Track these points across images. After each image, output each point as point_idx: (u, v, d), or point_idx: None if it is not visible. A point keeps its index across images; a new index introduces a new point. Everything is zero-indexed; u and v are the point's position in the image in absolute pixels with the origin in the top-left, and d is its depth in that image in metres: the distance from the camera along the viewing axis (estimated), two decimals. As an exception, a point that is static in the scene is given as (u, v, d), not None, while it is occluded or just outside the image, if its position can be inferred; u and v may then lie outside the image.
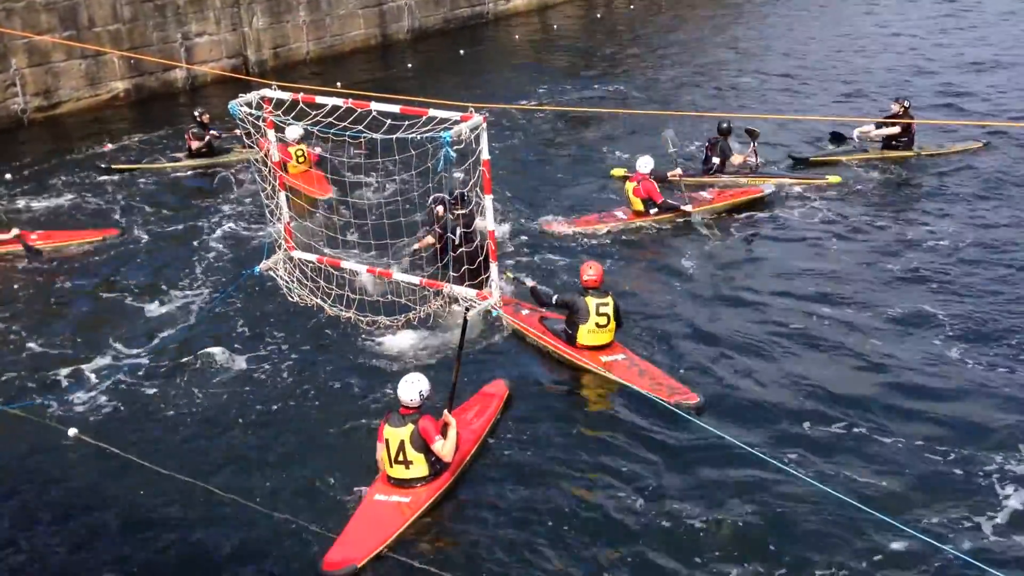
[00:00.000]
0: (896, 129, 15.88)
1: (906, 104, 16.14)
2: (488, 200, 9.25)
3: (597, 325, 10.01)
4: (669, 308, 11.47)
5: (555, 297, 10.33)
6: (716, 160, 15.36)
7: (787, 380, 9.81)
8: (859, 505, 7.42)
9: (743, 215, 14.17)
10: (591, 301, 10.01)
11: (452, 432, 8.06)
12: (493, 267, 9.26)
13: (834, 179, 15.17)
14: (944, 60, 23.50)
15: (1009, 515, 7.74)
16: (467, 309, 8.88)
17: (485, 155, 9.03)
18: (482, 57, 25.70)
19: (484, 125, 8.88)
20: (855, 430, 8.92)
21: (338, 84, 18.91)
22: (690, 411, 9.05)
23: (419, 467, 7.97)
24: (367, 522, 7.71)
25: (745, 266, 12.67)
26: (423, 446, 7.92)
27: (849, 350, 10.33)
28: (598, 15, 31.40)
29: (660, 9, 32.38)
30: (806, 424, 9.01)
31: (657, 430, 9.00)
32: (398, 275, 9.83)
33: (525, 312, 10.92)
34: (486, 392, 9.51)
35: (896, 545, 7.40)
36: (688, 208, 13.87)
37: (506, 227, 13.61)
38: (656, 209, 13.78)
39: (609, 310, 10.04)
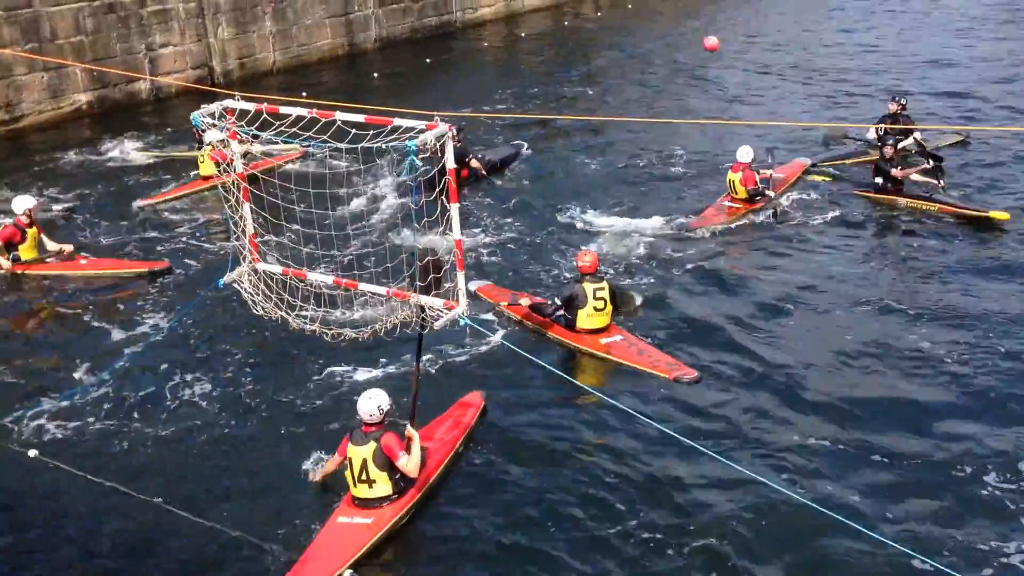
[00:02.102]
0: (913, 137, 15.81)
1: (903, 102, 16.26)
2: (454, 209, 9.14)
3: (595, 309, 10.50)
4: (680, 303, 11.70)
5: (554, 302, 10.74)
6: (879, 180, 14.59)
7: (790, 392, 9.77)
8: (852, 523, 7.40)
9: (751, 218, 14.20)
10: (588, 287, 10.50)
11: (415, 447, 7.92)
12: (460, 276, 9.13)
13: (1000, 215, 13.32)
14: (914, 60, 23.78)
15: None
16: (421, 326, 8.74)
17: (451, 164, 8.92)
18: (450, 66, 25.68)
19: (450, 134, 8.80)
20: (851, 442, 8.88)
21: (304, 94, 18.78)
22: (690, 383, 9.74)
23: (383, 486, 7.83)
24: (329, 544, 7.56)
25: (750, 268, 12.77)
26: (386, 463, 7.78)
27: (846, 356, 10.35)
28: (566, 22, 31.47)
29: (627, 16, 32.52)
30: (808, 440, 8.95)
31: (636, 444, 8.93)
32: (364, 286, 9.71)
33: (524, 301, 11.13)
34: (460, 404, 9.42)
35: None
36: (771, 194, 14.36)
37: (482, 236, 13.81)
38: (757, 195, 14.19)
39: (605, 295, 10.55)
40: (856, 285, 12.04)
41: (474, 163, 16.11)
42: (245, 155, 13.43)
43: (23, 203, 13.27)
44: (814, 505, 7.34)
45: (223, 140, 14.69)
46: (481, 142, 18.13)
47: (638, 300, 11.51)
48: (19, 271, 13.11)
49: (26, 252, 13.17)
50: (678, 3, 34.78)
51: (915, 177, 14.34)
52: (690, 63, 24.92)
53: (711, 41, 15.76)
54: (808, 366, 10.18)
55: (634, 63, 25.17)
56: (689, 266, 12.70)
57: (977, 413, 9.26)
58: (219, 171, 15.21)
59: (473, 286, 12.16)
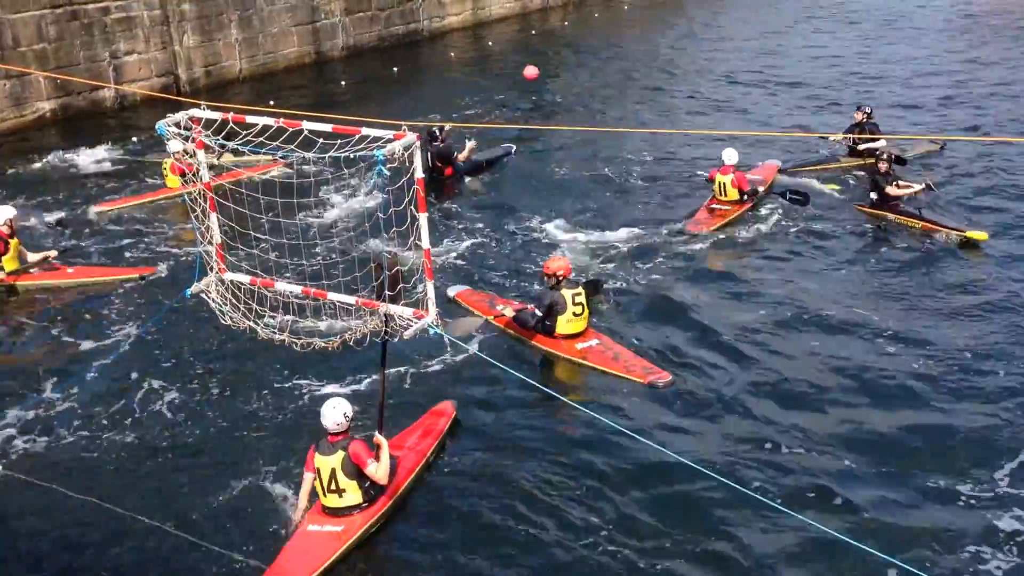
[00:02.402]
0: (882, 143, 15.95)
1: (868, 111, 16.52)
2: (423, 218, 9.14)
3: (574, 314, 10.68)
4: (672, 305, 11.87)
5: (536, 312, 10.80)
6: (874, 195, 14.45)
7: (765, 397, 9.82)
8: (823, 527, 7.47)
9: (742, 221, 14.39)
10: (566, 293, 10.65)
11: (384, 453, 7.90)
12: (429, 285, 9.15)
13: (978, 235, 13.25)
14: (881, 70, 24.12)
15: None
16: (385, 334, 8.72)
17: (419, 173, 8.94)
18: (417, 74, 25.68)
19: (417, 143, 8.81)
20: (822, 446, 8.92)
21: (271, 103, 18.71)
22: (664, 387, 9.87)
23: (352, 495, 7.81)
24: (298, 553, 7.52)
25: (737, 273, 12.90)
26: (355, 472, 7.76)
27: (821, 365, 10.41)
28: (532, 31, 31.57)
29: (594, 26, 32.71)
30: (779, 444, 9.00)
31: (609, 451, 8.94)
32: (333, 295, 9.68)
33: (500, 307, 11.29)
34: (431, 413, 9.42)
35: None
36: (761, 189, 14.91)
37: (459, 241, 13.92)
38: (746, 196, 14.49)
39: (583, 299, 10.73)
40: (834, 295, 12.13)
41: (462, 157, 16.56)
42: (212, 167, 13.40)
43: (3, 213, 12.95)
44: (785, 509, 7.42)
45: (186, 151, 14.67)
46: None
47: (602, 291, 11.80)
48: (5, 282, 12.81)
49: (9, 263, 12.89)
50: (644, 14, 35.04)
51: (900, 191, 14.26)
52: (656, 72, 25.11)
53: (530, 71, 16.71)
54: (782, 374, 10.24)
55: (601, 72, 25.30)
56: (677, 270, 12.83)
57: (953, 423, 9.30)
58: (183, 182, 15.15)
59: (451, 292, 12.21)
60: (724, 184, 14.55)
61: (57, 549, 7.94)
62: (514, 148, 18.21)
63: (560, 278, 10.77)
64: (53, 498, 8.41)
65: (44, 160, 18.26)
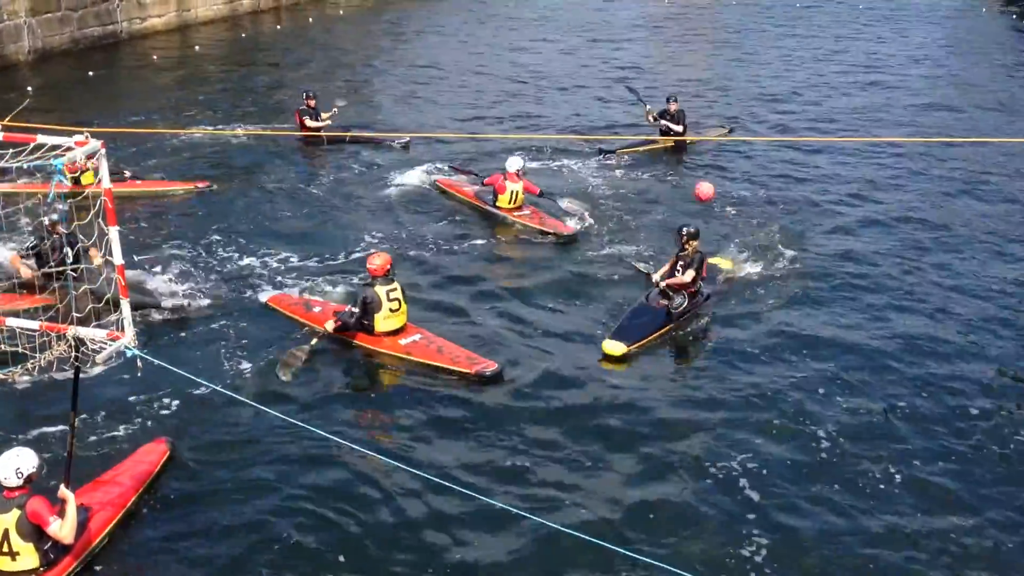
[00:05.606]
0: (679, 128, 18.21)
1: (677, 100, 18.36)
2: (114, 232, 8.47)
3: (391, 311, 10.59)
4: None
5: (349, 309, 10.57)
6: None
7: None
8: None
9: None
10: (381, 290, 10.54)
11: (70, 510, 6.96)
12: (124, 304, 8.44)
13: (725, 263, 12.71)
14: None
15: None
16: (76, 365, 7.88)
17: (106, 183, 8.26)
18: (116, 79, 24.08)
19: (103, 151, 8.14)
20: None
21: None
22: (492, 377, 9.92)
23: (28, 558, 6.87)
24: None
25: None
26: (33, 533, 6.83)
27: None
28: (243, 35, 30.53)
29: (308, 28, 32.16)
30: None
31: (354, 478, 8.45)
32: (12, 321, 8.76)
33: (329, 325, 10.75)
34: (139, 454, 8.47)
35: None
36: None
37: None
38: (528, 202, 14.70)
39: (399, 295, 10.65)
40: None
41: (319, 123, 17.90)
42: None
43: None
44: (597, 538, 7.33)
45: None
46: (165, 164, 17.13)
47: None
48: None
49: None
50: (360, 18, 34.89)
51: None
52: (376, 75, 25.02)
53: (705, 191, 12.98)
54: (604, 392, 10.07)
55: (315, 75, 24.83)
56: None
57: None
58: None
59: (263, 297, 11.78)
60: (516, 192, 14.39)
61: None
62: (407, 138, 18.32)
63: (372, 274, 10.60)
64: None
65: None
